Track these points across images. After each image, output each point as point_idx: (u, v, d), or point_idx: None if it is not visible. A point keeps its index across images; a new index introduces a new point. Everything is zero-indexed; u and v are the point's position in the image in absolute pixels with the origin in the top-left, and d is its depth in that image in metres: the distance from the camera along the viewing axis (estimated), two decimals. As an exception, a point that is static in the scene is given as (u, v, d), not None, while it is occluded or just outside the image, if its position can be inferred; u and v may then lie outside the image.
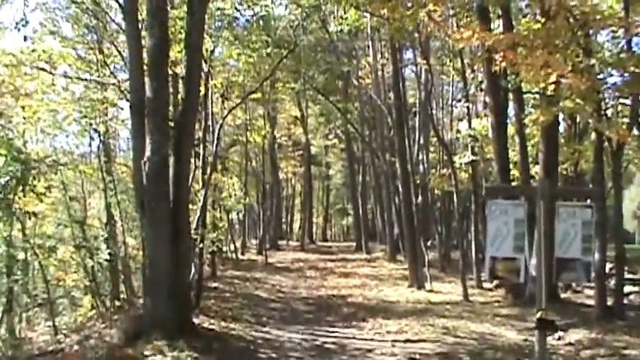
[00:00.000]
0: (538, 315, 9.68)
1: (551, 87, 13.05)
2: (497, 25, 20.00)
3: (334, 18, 25.23)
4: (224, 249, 31.08)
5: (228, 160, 34.93)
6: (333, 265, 33.04)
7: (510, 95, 19.43)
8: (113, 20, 18.28)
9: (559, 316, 13.11)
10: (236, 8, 19.25)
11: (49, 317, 15.96)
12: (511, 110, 20.69)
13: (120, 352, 11.19)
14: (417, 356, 11.30)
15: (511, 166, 20.33)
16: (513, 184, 19.53)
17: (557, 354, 11.04)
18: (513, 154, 20.64)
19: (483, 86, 23.16)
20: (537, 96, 18.50)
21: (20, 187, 13.21)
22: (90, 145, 20.97)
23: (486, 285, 20.40)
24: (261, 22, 20.51)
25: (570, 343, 12.19)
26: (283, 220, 59.89)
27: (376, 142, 40.08)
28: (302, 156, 56.02)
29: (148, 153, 11.77)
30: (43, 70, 16.63)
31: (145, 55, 12.52)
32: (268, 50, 20.26)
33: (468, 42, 15.97)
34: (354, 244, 48.03)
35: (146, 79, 12.18)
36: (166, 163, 12.12)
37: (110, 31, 18.52)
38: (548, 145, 17.35)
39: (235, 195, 30.49)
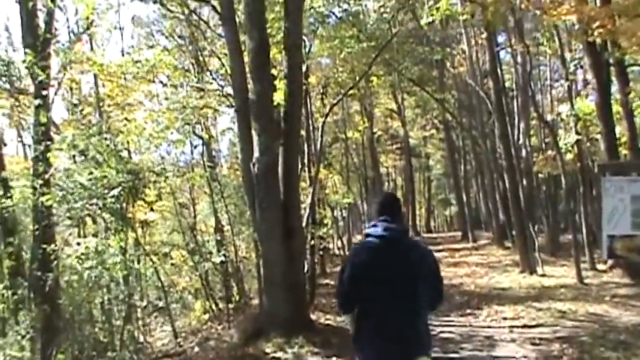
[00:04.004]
0: (662, 293, 9.48)
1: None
2: (593, -1, 19.54)
3: (425, 9, 25.08)
4: (331, 246, 31.23)
5: (331, 156, 35.05)
6: (440, 255, 32.80)
7: (612, 70, 18.96)
8: (209, 27, 18.63)
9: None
10: (324, 5, 19.39)
11: (166, 322, 16.32)
12: (614, 87, 20.16)
13: (241, 352, 11.41)
14: (537, 341, 11.17)
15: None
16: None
17: (683, 333, 10.73)
18: (620, 133, 20.12)
19: (583, 63, 22.70)
20: (641, 68, 18.02)
21: (132, 197, 13.53)
22: (192, 152, 21.37)
23: (600, 267, 19.95)
24: (351, 18, 20.58)
25: (697, 322, 11.85)
26: (386, 213, 59.73)
27: (476, 129, 39.63)
28: (401, 149, 55.89)
29: (256, 154, 11.96)
30: (146, 79, 17.00)
31: (245, 58, 12.73)
32: (363, 45, 20.28)
33: (564, 17, 15.69)
34: (459, 233, 47.64)
35: (249, 82, 12.39)
36: (275, 162, 12.30)
37: (209, 38, 18.86)
38: (658, 118, 16.83)
39: (338, 192, 30.61)
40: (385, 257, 5.12)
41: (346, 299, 5.32)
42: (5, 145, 16.57)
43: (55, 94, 16.07)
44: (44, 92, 13.02)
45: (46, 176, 12.46)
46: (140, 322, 15.67)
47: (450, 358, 10.60)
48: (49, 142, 12.90)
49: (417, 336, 5.21)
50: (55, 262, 12.52)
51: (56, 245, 12.81)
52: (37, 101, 12.77)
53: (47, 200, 11.87)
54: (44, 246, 12.25)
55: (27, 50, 13.12)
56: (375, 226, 5.27)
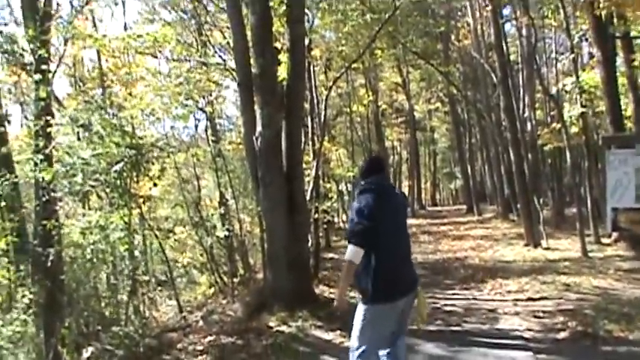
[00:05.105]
0: (666, 266, 9.44)
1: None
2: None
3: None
4: (336, 220, 31.26)
5: (334, 129, 35.03)
6: (445, 228, 32.96)
7: (619, 43, 18.82)
8: (212, 0, 18.55)
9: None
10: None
11: (172, 296, 16.34)
12: (619, 59, 20.01)
13: (245, 325, 11.41)
14: (541, 314, 11.15)
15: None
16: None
17: (688, 306, 10.68)
18: (625, 106, 19.97)
19: (588, 36, 22.54)
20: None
21: (135, 173, 13.48)
22: (196, 127, 21.36)
23: (605, 240, 19.89)
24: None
25: (702, 295, 11.80)
26: (391, 187, 59.74)
27: (481, 102, 39.50)
28: (406, 122, 55.82)
29: (259, 128, 11.94)
30: (149, 54, 16.93)
31: (248, 32, 12.67)
32: (367, 18, 20.16)
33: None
34: (464, 206, 47.88)
35: (251, 56, 12.33)
36: (278, 136, 12.26)
37: (211, 12, 18.80)
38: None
39: (343, 165, 30.57)
40: (387, 207, 6.01)
41: (366, 235, 5.82)
42: (9, 122, 16.50)
43: (56, 69, 15.98)
44: (44, 67, 12.96)
45: (47, 151, 12.42)
46: (145, 297, 15.67)
47: (452, 331, 10.61)
48: (49, 118, 12.85)
49: (415, 276, 6.36)
50: (57, 237, 12.52)
51: (57, 221, 12.79)
52: (37, 76, 12.72)
53: (47, 174, 11.85)
54: (44, 222, 12.25)
55: (27, 24, 13.09)
56: (369, 182, 6.24)
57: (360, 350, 5.94)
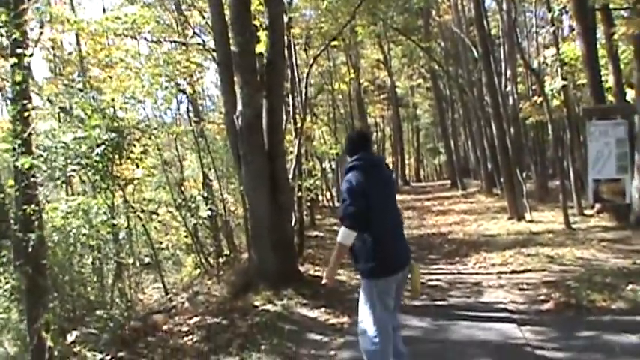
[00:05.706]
0: (648, 235, 9.49)
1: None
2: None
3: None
4: (320, 198, 31.25)
5: (316, 107, 34.95)
6: (429, 204, 33.10)
7: (599, 16, 18.82)
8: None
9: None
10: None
11: (157, 278, 16.33)
12: (599, 32, 20.00)
13: (230, 305, 11.40)
14: (525, 285, 11.22)
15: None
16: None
17: (670, 275, 10.75)
18: (605, 78, 20.00)
19: (568, 9, 22.53)
20: (626, 13, 17.88)
21: (117, 156, 13.40)
22: (178, 108, 21.26)
23: (588, 212, 19.99)
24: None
25: (685, 262, 11.87)
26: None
27: (462, 77, 39.51)
28: (388, 99, 55.80)
29: (239, 107, 11.87)
30: (128, 36, 16.79)
31: (227, 11, 12.59)
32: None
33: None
34: (448, 182, 48.01)
35: (230, 35, 12.25)
36: (259, 115, 12.20)
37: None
38: (643, 61, 16.66)
39: (326, 143, 30.52)
40: (376, 183, 6.02)
41: (358, 217, 5.86)
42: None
43: (32, 53, 15.80)
44: (19, 50, 12.80)
45: (24, 136, 12.28)
46: (131, 280, 15.64)
47: (437, 305, 10.62)
48: (26, 101, 12.70)
49: (408, 250, 6.34)
50: (37, 222, 12.42)
51: (38, 205, 12.69)
52: (12, 60, 12.57)
53: (24, 163, 11.71)
54: (25, 207, 12.14)
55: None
56: (357, 159, 6.17)
57: (378, 333, 5.84)
